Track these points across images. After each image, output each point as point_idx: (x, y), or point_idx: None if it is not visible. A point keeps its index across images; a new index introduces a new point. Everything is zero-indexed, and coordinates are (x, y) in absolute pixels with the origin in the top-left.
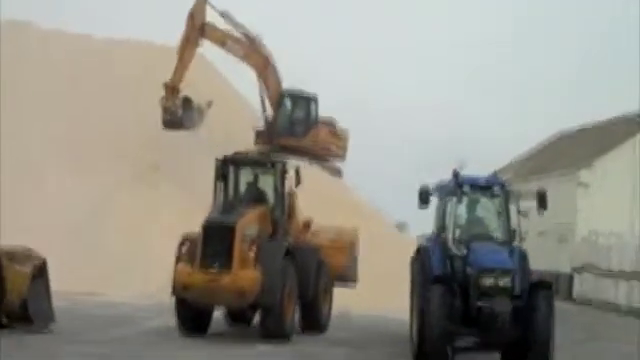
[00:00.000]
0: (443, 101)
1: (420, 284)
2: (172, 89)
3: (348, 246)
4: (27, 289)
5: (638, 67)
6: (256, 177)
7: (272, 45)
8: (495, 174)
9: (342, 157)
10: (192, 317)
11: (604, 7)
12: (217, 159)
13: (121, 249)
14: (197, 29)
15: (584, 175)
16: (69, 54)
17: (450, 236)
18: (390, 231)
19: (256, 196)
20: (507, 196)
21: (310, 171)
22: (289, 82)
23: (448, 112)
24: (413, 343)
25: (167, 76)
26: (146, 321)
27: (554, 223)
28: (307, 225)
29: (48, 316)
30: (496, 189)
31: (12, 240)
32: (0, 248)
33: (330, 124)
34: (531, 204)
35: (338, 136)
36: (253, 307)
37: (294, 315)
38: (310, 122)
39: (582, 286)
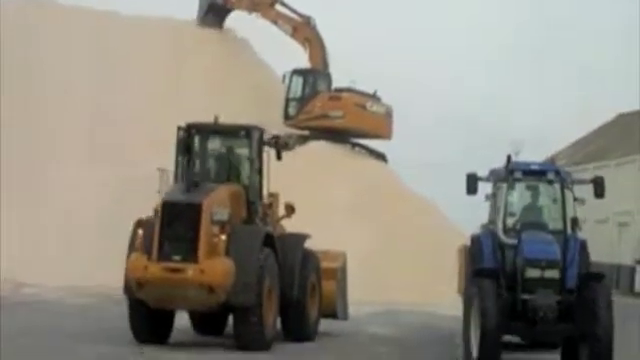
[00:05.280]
0: (489, 81)
1: (470, 275)
2: None
3: (335, 272)
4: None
5: None
6: (228, 149)
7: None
8: (552, 160)
9: (385, 135)
10: (149, 321)
11: None
12: (179, 127)
13: None
14: (253, 3)
15: None
16: (92, 31)
17: (500, 225)
18: (438, 220)
19: (227, 172)
20: (562, 182)
21: (352, 156)
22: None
23: (495, 93)
24: (465, 338)
25: (194, 56)
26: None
27: (615, 211)
28: (290, 209)
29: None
30: (550, 175)
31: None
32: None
33: (338, 90)
34: (588, 191)
35: (339, 100)
36: (224, 310)
37: (276, 319)
38: (304, 98)
39: None
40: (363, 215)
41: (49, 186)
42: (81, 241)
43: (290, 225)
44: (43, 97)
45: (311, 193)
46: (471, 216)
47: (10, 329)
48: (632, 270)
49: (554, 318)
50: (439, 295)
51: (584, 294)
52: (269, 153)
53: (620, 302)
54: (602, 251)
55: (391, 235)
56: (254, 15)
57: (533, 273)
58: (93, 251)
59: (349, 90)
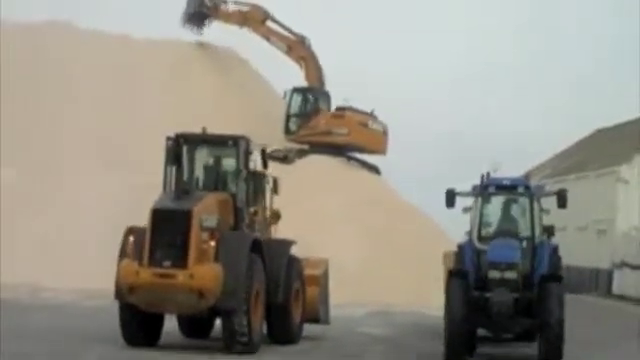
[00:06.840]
0: (469, 96)
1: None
2: None
3: (318, 279)
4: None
5: None
6: (215, 159)
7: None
8: (527, 176)
9: (382, 151)
10: (139, 325)
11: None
12: (168, 138)
13: None
14: (244, 18)
15: (624, 171)
16: (108, 51)
17: (475, 234)
18: (429, 228)
19: (215, 181)
20: (531, 196)
21: (348, 169)
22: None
23: (475, 108)
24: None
25: (200, 76)
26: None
27: (593, 219)
28: (276, 216)
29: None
30: (520, 189)
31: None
32: None
33: (340, 109)
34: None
35: (342, 118)
36: (212, 314)
37: (262, 322)
38: (306, 114)
39: (622, 282)
40: (357, 222)
41: (65, 192)
42: (96, 245)
43: (288, 232)
44: (63, 110)
45: (309, 202)
46: (462, 225)
47: (29, 331)
48: (610, 274)
49: (509, 313)
50: (430, 296)
51: (541, 292)
52: (256, 163)
53: (599, 303)
54: (582, 256)
55: (384, 241)
56: (245, 29)
57: (494, 274)
58: (107, 255)
59: (350, 109)
